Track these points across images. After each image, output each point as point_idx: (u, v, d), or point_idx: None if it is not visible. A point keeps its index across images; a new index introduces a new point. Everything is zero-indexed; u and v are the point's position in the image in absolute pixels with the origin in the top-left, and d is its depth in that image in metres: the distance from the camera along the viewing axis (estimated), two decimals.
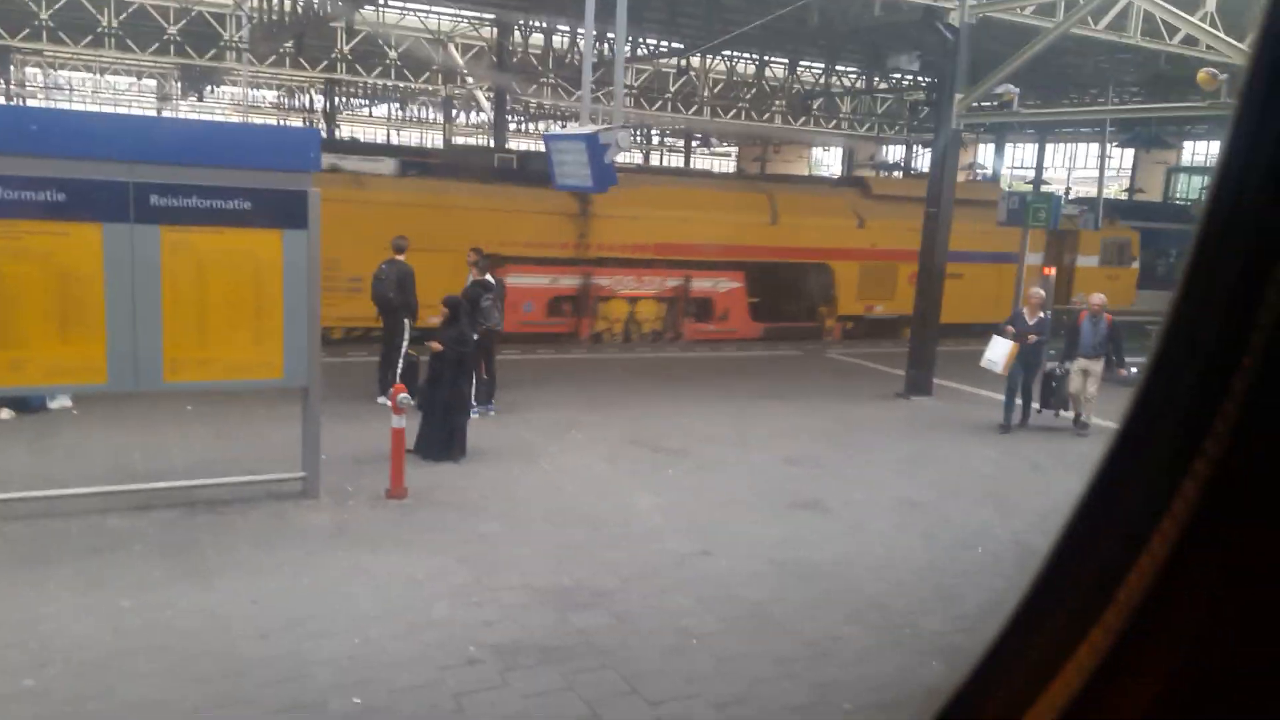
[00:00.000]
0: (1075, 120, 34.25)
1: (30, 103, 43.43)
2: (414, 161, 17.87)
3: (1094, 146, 44.02)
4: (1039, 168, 28.07)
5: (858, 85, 30.75)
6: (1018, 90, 14.17)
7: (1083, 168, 50.24)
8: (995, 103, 14.43)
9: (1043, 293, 12.61)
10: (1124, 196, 34.79)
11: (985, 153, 41.20)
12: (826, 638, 6.25)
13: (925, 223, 14.22)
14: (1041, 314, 12.27)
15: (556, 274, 16.84)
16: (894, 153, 46.37)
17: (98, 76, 47.48)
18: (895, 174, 36.46)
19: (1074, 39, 14.55)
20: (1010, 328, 12.19)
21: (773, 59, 29.34)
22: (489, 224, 15.43)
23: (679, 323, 17.91)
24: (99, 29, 26.37)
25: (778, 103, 33.57)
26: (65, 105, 46.54)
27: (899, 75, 27.22)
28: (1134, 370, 11.66)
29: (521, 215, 16.20)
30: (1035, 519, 8.90)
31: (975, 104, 13.91)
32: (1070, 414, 12.37)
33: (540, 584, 6.76)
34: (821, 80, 30.00)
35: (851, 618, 6.58)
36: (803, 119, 37.33)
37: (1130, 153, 40.67)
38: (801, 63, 29.28)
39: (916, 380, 14.14)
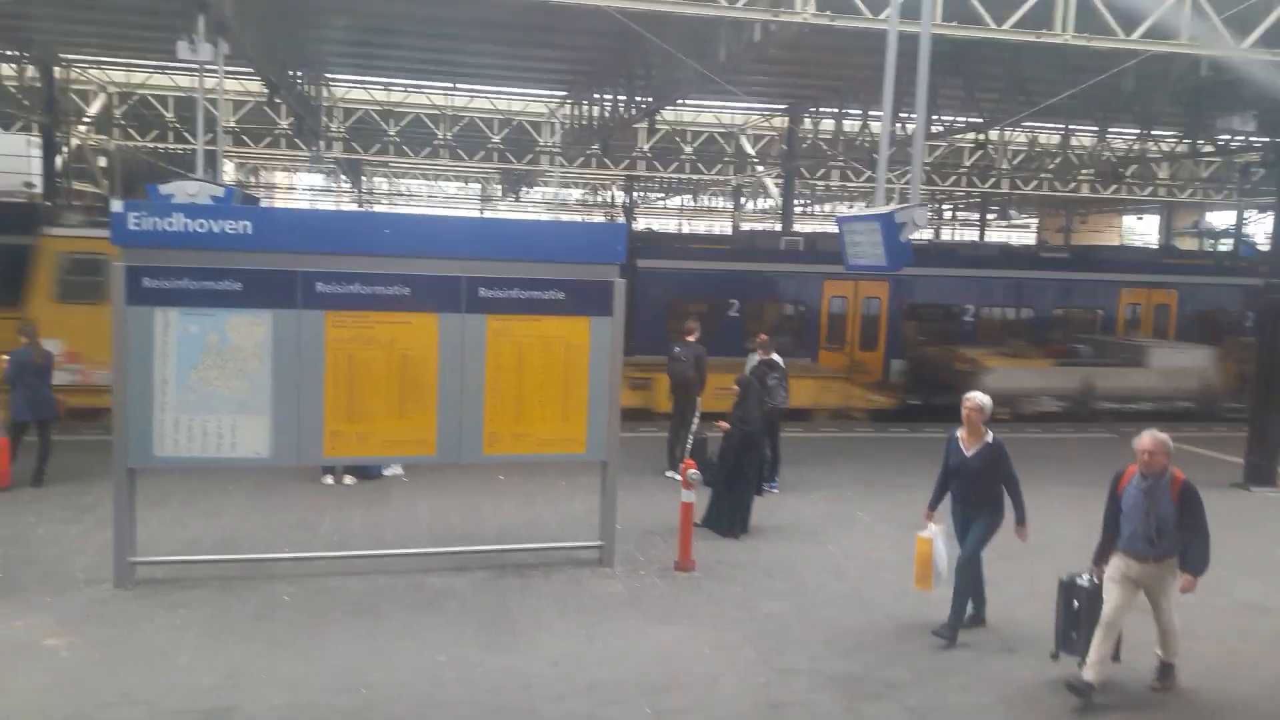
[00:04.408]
0: None
1: (376, 208, 49.64)
2: None
3: None
4: None
5: (1177, 149, 28.32)
6: None
7: None
8: None
9: (984, 401, 7.17)
10: None
11: None
12: None
13: (1266, 294, 13.21)
14: (988, 438, 7.19)
15: None
16: (1221, 219, 42.09)
17: (432, 183, 53.61)
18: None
19: None
20: (930, 511, 7.44)
21: (1078, 128, 27.72)
22: None
23: None
24: (435, 141, 29.97)
25: (1085, 171, 31.59)
26: (406, 209, 52.89)
27: (1228, 136, 24.78)
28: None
29: None
30: None
31: None
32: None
33: (827, 668, 6.64)
34: (1135, 146, 27.93)
35: None
36: (1113, 187, 34.83)
37: None
38: (1111, 129, 27.45)
39: (1258, 469, 12.56)
